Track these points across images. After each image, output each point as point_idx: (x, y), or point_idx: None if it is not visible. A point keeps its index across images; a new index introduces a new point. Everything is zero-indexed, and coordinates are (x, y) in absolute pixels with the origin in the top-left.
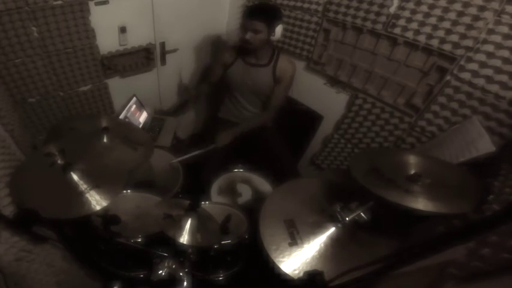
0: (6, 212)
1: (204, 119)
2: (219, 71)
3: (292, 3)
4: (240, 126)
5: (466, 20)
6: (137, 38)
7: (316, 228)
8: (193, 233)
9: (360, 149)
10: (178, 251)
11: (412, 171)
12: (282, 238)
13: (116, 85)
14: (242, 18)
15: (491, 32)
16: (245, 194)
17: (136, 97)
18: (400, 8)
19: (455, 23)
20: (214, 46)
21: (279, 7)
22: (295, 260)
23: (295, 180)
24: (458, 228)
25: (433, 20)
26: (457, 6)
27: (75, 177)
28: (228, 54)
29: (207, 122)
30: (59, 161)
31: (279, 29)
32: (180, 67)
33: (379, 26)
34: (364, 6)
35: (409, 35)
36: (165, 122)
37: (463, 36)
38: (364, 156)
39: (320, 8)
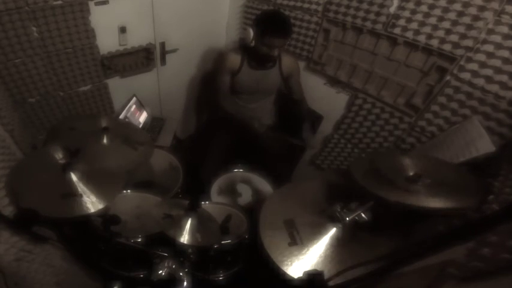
0: (6, 212)
1: (204, 119)
2: (229, 80)
3: (292, 3)
4: (305, 121)
5: (466, 20)
6: (137, 38)
7: (316, 229)
8: (193, 233)
9: (360, 149)
10: (178, 251)
11: (412, 172)
12: (282, 238)
13: (116, 85)
14: (264, 35)
15: (491, 32)
16: (245, 194)
17: (136, 97)
18: (400, 8)
19: (455, 23)
20: (214, 47)
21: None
22: (295, 260)
23: (295, 183)
24: (458, 228)
25: (433, 20)
26: (457, 6)
27: (75, 177)
28: (233, 61)
29: (207, 122)
30: (58, 161)
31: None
32: (180, 67)
33: (379, 26)
34: (364, 6)
35: (409, 35)
36: (165, 122)
37: (463, 36)
38: (364, 156)
39: (320, 8)
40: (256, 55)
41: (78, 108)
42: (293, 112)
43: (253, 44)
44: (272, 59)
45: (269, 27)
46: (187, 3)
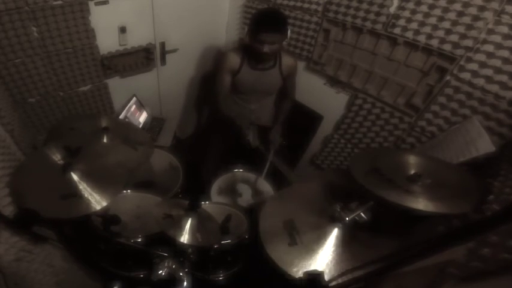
0: (6, 212)
1: (204, 119)
2: (229, 79)
3: (292, 3)
4: (279, 123)
5: (466, 20)
6: (137, 38)
7: (316, 229)
8: (193, 233)
9: (360, 149)
10: (178, 251)
11: (412, 171)
12: (282, 238)
13: (116, 85)
14: (255, 31)
15: (491, 32)
16: (245, 194)
17: (136, 97)
18: (400, 8)
19: (455, 23)
20: (215, 47)
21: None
22: (295, 260)
23: (295, 184)
24: (458, 228)
25: (433, 20)
26: (457, 6)
27: (75, 177)
28: (233, 61)
29: (207, 122)
30: (59, 161)
31: (289, 34)
32: (180, 67)
33: (379, 26)
34: (364, 6)
35: (409, 35)
36: (165, 122)
37: (463, 36)
38: (364, 156)
39: (320, 8)
40: (252, 53)
41: (78, 108)
42: (276, 107)
43: (247, 40)
44: (266, 57)
45: (260, 22)
46: (187, 3)
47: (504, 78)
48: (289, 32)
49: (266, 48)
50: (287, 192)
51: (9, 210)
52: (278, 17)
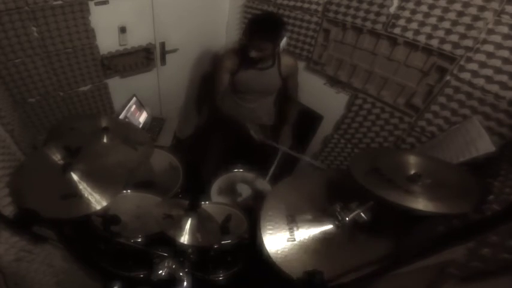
0: (6, 212)
1: (204, 119)
2: (227, 79)
3: (292, 3)
4: (289, 124)
5: (466, 20)
6: (137, 38)
7: (316, 228)
8: (193, 233)
9: (360, 149)
10: (178, 251)
11: (412, 171)
12: (282, 238)
13: (116, 85)
14: (247, 33)
15: (491, 32)
16: (245, 194)
17: (136, 97)
18: (400, 8)
19: (455, 23)
20: (215, 47)
21: (282, 19)
22: (295, 259)
23: (297, 176)
24: (458, 228)
25: (433, 20)
26: (457, 6)
27: (75, 177)
28: (231, 61)
29: (207, 122)
30: (59, 161)
31: (283, 43)
32: (180, 67)
33: (379, 26)
34: (364, 6)
35: (409, 35)
36: (165, 122)
37: (463, 36)
38: (364, 156)
39: (320, 8)
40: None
41: (78, 108)
42: (281, 110)
43: (244, 40)
44: (254, 60)
45: (251, 27)
46: (187, 3)
47: (504, 78)
48: (284, 40)
49: (253, 54)
50: (286, 190)
51: (9, 210)
52: (270, 25)
